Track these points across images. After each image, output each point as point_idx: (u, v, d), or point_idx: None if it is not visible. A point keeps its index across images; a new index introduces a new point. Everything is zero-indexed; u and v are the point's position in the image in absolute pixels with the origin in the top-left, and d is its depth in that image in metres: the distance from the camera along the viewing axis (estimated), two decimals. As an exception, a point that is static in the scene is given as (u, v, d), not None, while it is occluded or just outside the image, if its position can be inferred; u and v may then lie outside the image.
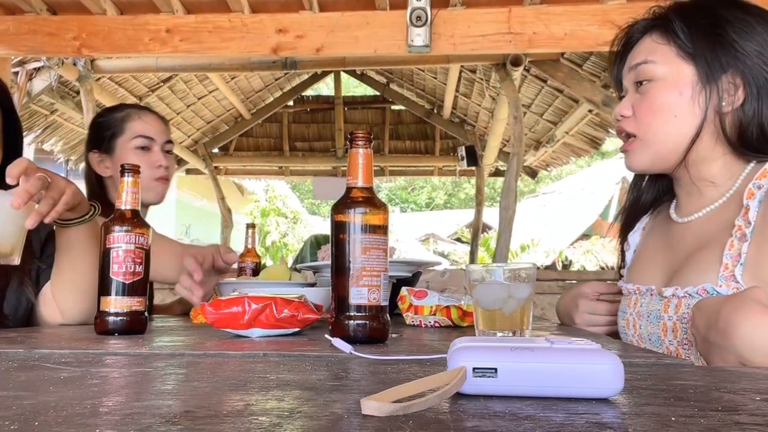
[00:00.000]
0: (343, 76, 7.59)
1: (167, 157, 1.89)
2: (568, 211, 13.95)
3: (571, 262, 11.95)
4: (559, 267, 11.59)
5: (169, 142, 1.92)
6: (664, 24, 1.16)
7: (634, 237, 1.33)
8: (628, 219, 1.35)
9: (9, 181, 1.21)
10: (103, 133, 1.84)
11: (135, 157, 1.79)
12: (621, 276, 1.34)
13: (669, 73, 1.13)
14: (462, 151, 6.95)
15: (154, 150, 1.85)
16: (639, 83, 1.18)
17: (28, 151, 4.49)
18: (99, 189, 1.85)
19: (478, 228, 7.28)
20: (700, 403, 0.52)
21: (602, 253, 12.02)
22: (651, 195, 1.32)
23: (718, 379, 0.65)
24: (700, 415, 0.47)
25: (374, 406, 0.45)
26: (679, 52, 1.13)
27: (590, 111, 5.41)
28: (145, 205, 1.88)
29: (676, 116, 1.13)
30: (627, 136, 1.21)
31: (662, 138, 1.15)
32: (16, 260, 1.20)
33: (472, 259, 7.31)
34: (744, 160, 1.13)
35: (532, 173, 7.66)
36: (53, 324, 1.38)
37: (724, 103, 1.10)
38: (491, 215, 9.94)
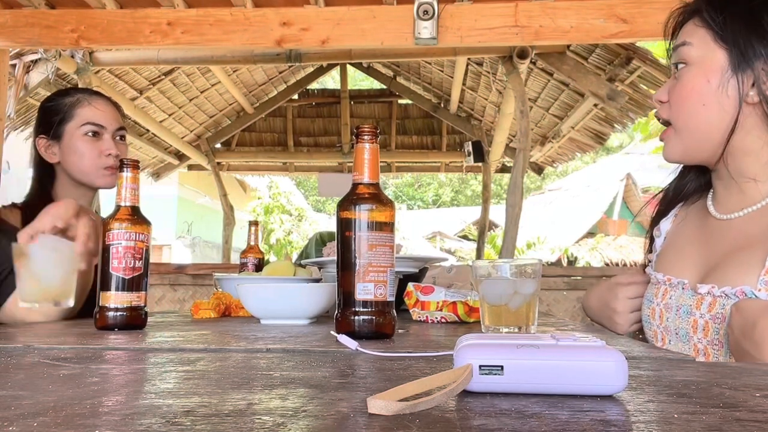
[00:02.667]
0: (350, 69, 7.54)
1: (119, 144, 1.78)
2: (573, 208, 13.95)
3: (576, 258, 11.95)
4: (564, 264, 11.59)
5: (122, 128, 1.81)
6: (704, 8, 1.12)
7: (666, 224, 1.29)
8: (665, 205, 1.31)
9: (59, 224, 1.22)
10: (51, 118, 1.75)
11: (83, 144, 1.71)
12: (648, 262, 1.30)
13: (701, 58, 1.10)
14: (469, 147, 6.93)
15: (104, 138, 1.74)
16: (676, 66, 1.14)
17: (25, 145, 4.49)
18: (47, 175, 1.79)
19: (484, 225, 7.27)
20: (701, 399, 0.52)
21: (607, 251, 12.01)
22: (694, 185, 1.27)
23: (719, 375, 0.66)
24: (702, 411, 0.47)
25: (381, 405, 0.45)
26: (714, 37, 1.09)
27: (595, 105, 5.39)
28: (93, 188, 1.80)
29: (704, 105, 1.09)
30: (664, 123, 1.17)
31: (692, 127, 1.11)
32: (72, 302, 1.22)
33: (479, 256, 7.29)
34: None
35: (538, 169, 7.63)
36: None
37: (764, 88, 1.05)
38: (498, 212, 9.94)
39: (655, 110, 1.19)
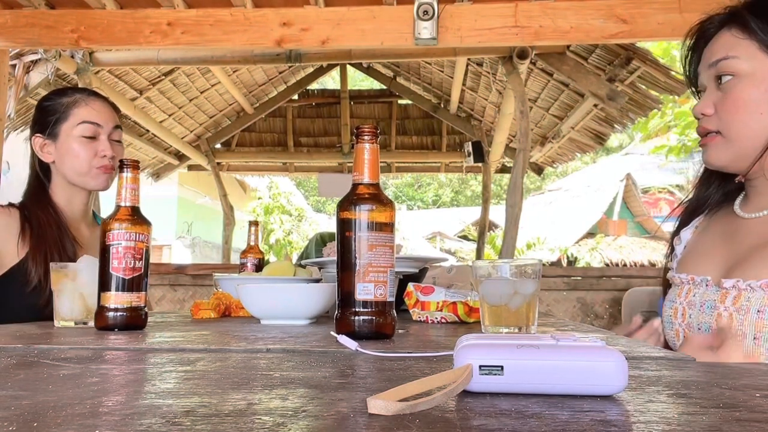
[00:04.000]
0: (350, 69, 7.54)
1: (114, 146, 1.78)
2: (573, 208, 13.95)
3: (576, 259, 11.95)
4: (564, 264, 11.59)
5: (118, 126, 1.81)
6: (741, 19, 1.13)
7: (686, 233, 1.30)
8: (688, 213, 1.32)
9: None
10: (47, 117, 1.74)
11: (79, 145, 1.71)
12: (669, 268, 1.31)
13: (753, 69, 1.10)
14: (469, 147, 6.92)
15: (101, 139, 1.74)
16: (719, 79, 1.14)
17: (25, 145, 4.48)
18: (44, 174, 1.79)
19: (484, 226, 7.26)
20: (702, 399, 0.52)
21: (607, 251, 12.01)
22: (717, 196, 1.28)
23: (719, 376, 0.66)
24: (702, 412, 0.48)
25: (381, 405, 0.45)
26: (760, 47, 1.10)
27: (595, 106, 5.39)
28: (88, 190, 1.80)
29: (761, 113, 1.10)
30: (705, 134, 1.17)
31: (746, 135, 1.12)
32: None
33: (479, 256, 7.29)
34: None
35: (538, 169, 7.63)
36: None
37: None
38: (498, 213, 9.93)
39: (699, 123, 1.18)
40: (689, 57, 1.25)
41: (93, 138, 1.73)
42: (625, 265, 11.09)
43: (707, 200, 1.29)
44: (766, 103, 1.10)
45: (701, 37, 1.21)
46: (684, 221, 1.32)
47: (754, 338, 1.03)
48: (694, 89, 1.26)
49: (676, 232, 1.33)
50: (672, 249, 1.33)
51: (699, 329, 1.14)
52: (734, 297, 1.08)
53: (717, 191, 1.28)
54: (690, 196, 1.34)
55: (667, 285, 1.31)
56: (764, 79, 1.10)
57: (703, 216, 1.30)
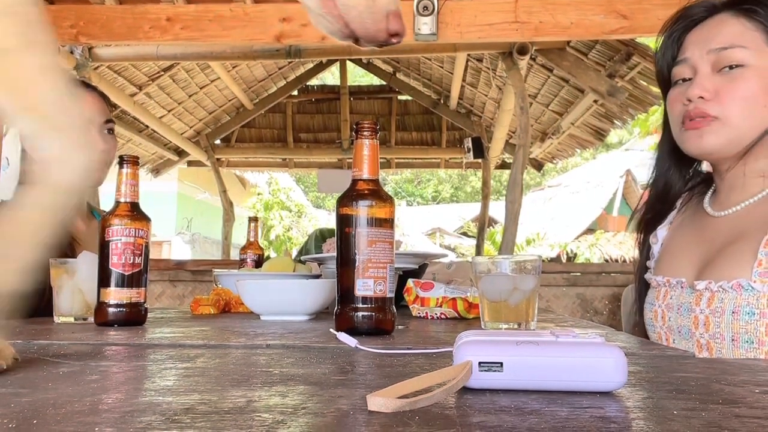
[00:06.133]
0: (349, 65, 7.52)
1: (106, 138, 1.75)
2: (573, 204, 13.95)
3: (576, 255, 11.96)
4: (564, 260, 11.60)
5: (109, 121, 1.78)
6: (749, 8, 1.11)
7: (662, 231, 1.29)
8: (657, 212, 1.31)
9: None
10: None
11: None
12: (648, 268, 1.31)
13: (759, 61, 1.10)
14: (468, 143, 6.92)
15: (91, 132, 1.74)
16: (724, 66, 1.12)
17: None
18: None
19: (484, 222, 7.26)
20: (701, 395, 0.52)
21: (606, 247, 12.01)
22: (678, 188, 1.28)
23: (719, 371, 0.66)
24: (701, 408, 0.48)
25: (380, 402, 0.45)
26: (766, 40, 1.10)
27: (595, 101, 5.38)
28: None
29: (765, 106, 1.09)
30: (702, 116, 1.14)
31: (747, 125, 1.11)
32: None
33: (478, 252, 7.29)
34: None
35: (538, 165, 7.62)
36: None
37: None
38: (497, 209, 9.93)
39: (694, 105, 1.15)
40: (670, 38, 1.22)
41: None
42: (624, 261, 11.08)
43: (670, 192, 1.28)
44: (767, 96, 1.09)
45: (686, 17, 1.19)
46: (657, 218, 1.31)
47: (732, 340, 1.03)
48: (667, 60, 1.23)
49: (649, 226, 1.32)
50: (649, 247, 1.32)
51: (679, 332, 1.14)
52: (708, 299, 1.08)
53: (677, 183, 1.27)
54: (650, 198, 1.32)
55: (644, 285, 1.31)
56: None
57: (675, 212, 1.29)
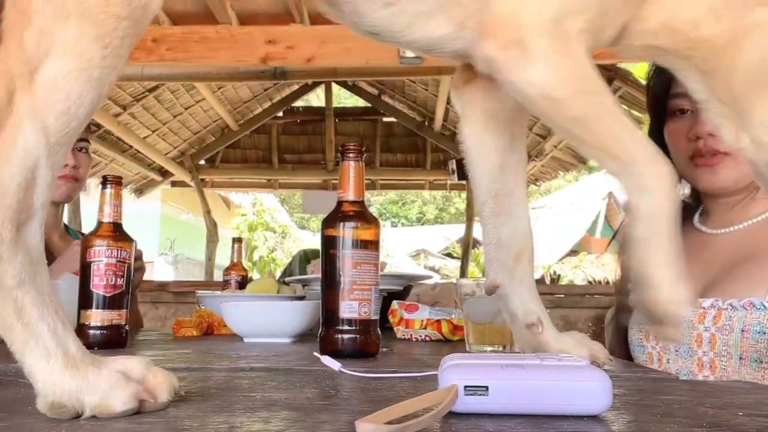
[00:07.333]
0: (334, 86, 7.56)
1: (77, 155, 1.74)
2: (556, 226, 14.04)
3: (559, 276, 12.01)
4: (548, 281, 11.63)
5: (83, 140, 1.78)
6: None
7: None
8: None
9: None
10: None
11: None
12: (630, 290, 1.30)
13: None
14: (453, 165, 6.94)
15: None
16: None
17: None
18: None
19: (468, 243, 7.27)
20: (686, 419, 0.52)
21: (590, 269, 12.08)
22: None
23: (703, 394, 0.66)
24: (686, 431, 0.48)
25: (370, 428, 0.44)
26: None
27: (579, 125, 5.45)
28: (53, 203, 1.76)
29: None
30: (713, 153, 1.15)
31: None
32: None
33: (463, 274, 7.29)
34: None
35: (522, 187, 7.66)
36: None
37: None
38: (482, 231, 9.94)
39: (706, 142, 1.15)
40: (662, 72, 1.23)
41: None
42: (608, 282, 11.14)
43: None
44: None
45: None
46: None
47: (740, 358, 1.04)
48: (658, 93, 1.23)
49: None
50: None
51: (676, 352, 1.14)
52: (714, 317, 1.08)
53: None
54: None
55: (626, 306, 1.30)
56: None
57: None
